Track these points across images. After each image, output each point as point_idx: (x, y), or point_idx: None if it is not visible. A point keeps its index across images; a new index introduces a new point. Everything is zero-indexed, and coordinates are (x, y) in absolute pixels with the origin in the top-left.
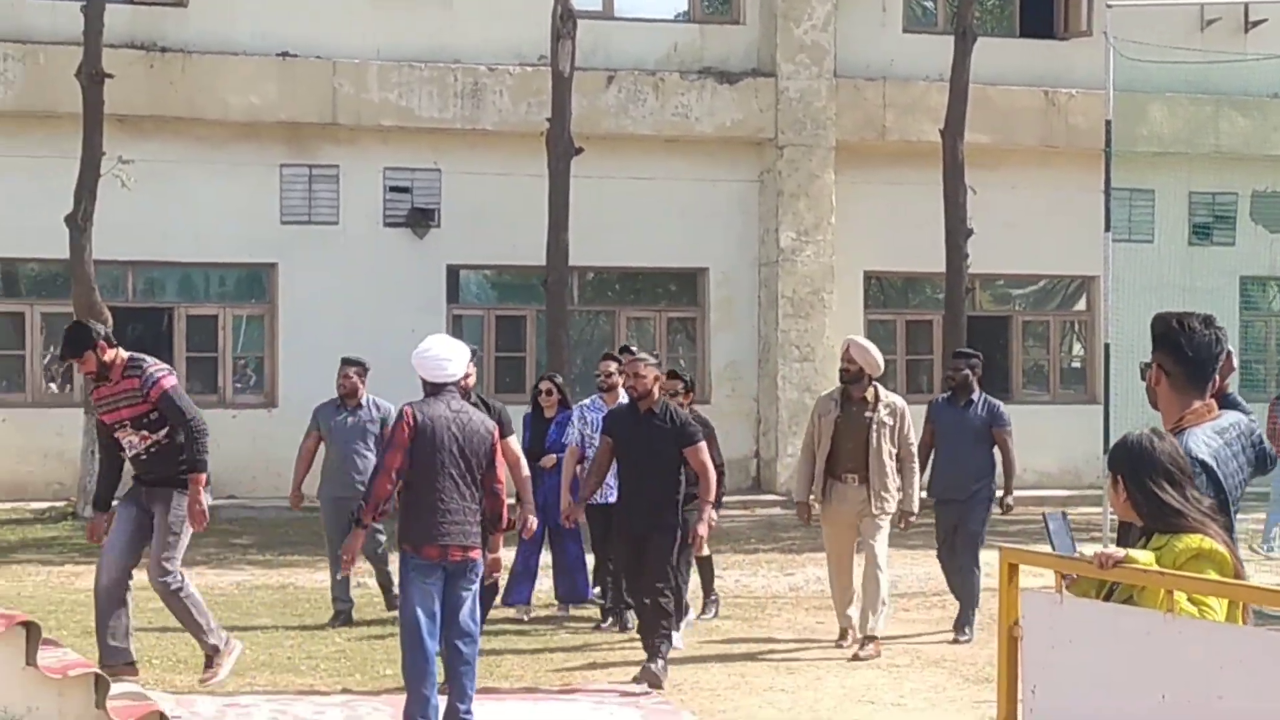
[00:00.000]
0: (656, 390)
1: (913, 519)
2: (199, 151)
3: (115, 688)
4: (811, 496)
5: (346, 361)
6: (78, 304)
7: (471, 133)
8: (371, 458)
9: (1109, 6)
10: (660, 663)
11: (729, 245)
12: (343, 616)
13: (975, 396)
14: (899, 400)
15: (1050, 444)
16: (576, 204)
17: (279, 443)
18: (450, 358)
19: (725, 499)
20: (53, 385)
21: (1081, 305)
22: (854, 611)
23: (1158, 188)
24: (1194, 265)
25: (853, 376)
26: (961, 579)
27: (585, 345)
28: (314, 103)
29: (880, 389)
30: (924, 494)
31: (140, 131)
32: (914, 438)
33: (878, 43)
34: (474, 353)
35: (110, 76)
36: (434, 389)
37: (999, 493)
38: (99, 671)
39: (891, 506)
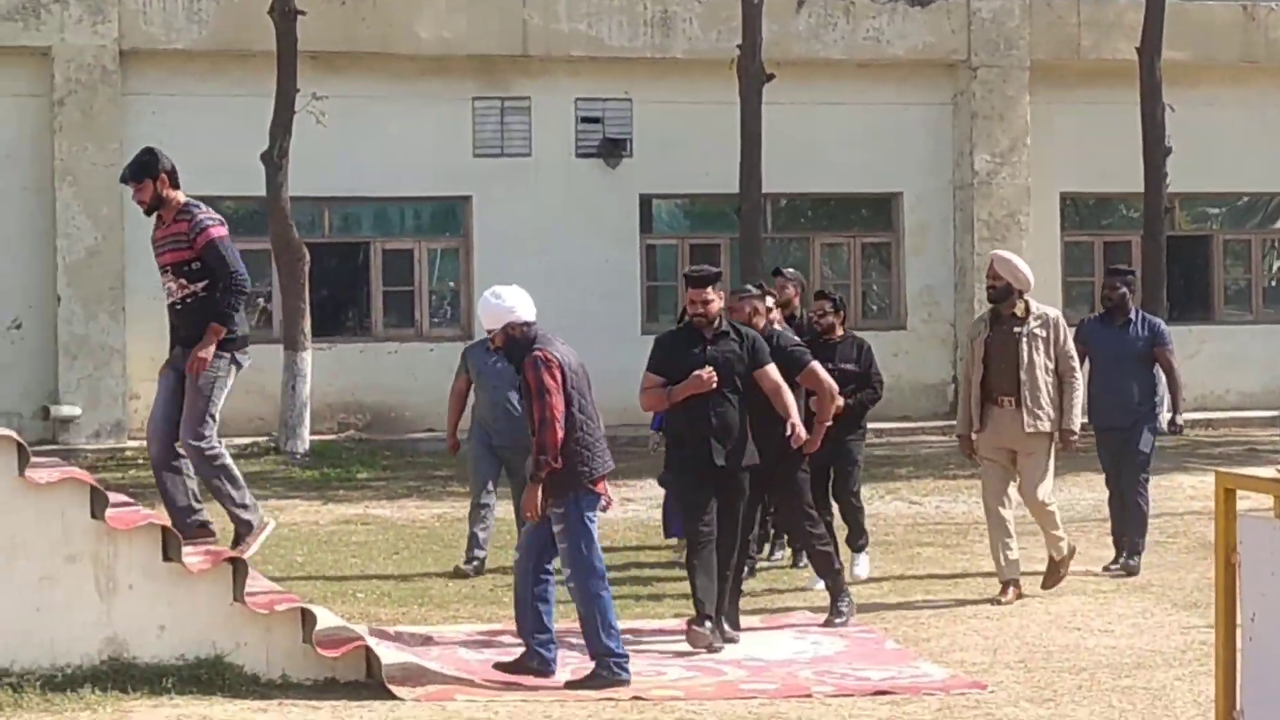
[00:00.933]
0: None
1: (1075, 439)
2: (391, 87)
3: (321, 622)
4: (974, 429)
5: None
6: (275, 240)
7: (662, 61)
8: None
9: None
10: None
11: (923, 169)
12: (475, 567)
13: (1133, 315)
14: (1053, 311)
15: (1253, 365)
16: (768, 130)
17: None
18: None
19: (923, 423)
20: (255, 316)
21: None
22: (1016, 554)
23: None
24: None
25: (999, 293)
26: (1128, 509)
27: None
28: (504, 35)
29: (1032, 302)
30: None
31: (333, 68)
32: (1074, 350)
33: None
34: (761, 288)
35: (303, 13)
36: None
37: (1166, 415)
38: (306, 606)
39: (1047, 425)
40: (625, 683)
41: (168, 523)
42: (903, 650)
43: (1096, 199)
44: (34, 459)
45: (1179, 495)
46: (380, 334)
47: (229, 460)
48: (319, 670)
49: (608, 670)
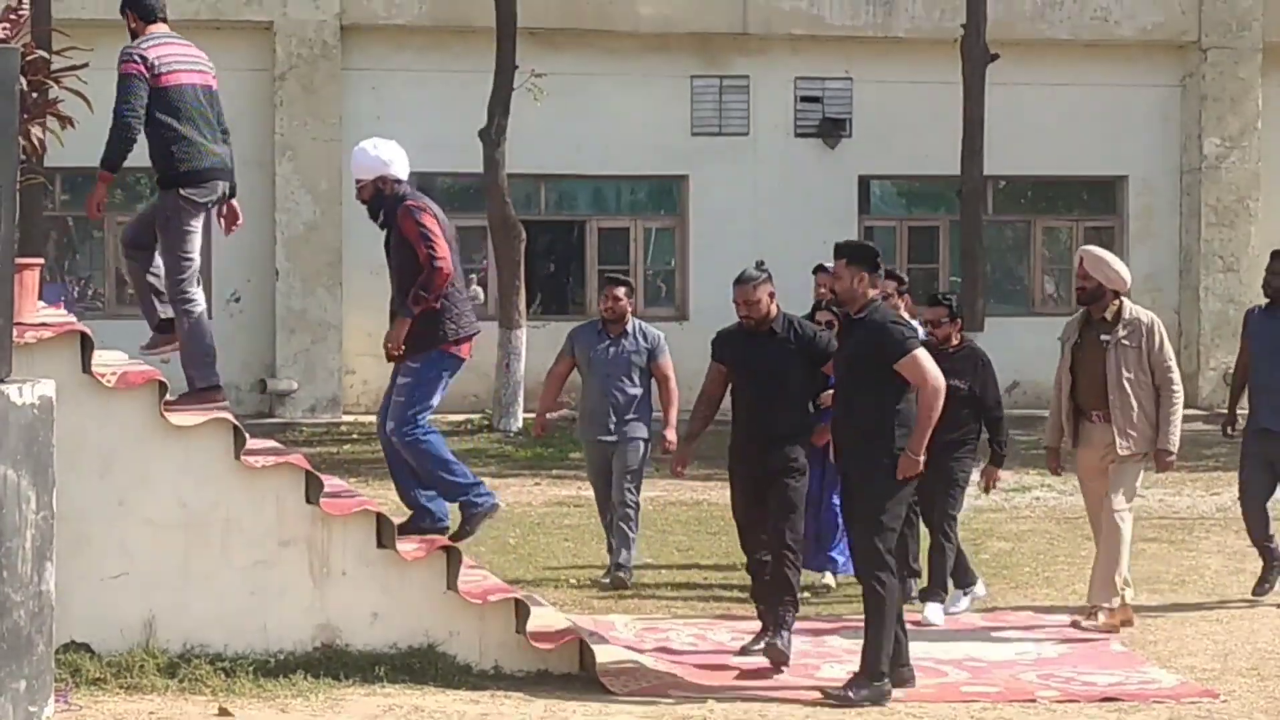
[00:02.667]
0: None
1: (1171, 460)
2: (610, 64)
3: (534, 612)
4: (1063, 440)
5: (612, 280)
6: (492, 217)
7: (884, 40)
8: (634, 392)
9: None
10: (785, 635)
11: (1149, 153)
12: (623, 578)
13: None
14: (1147, 316)
15: None
16: (990, 111)
17: (689, 355)
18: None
19: None
20: (475, 296)
21: None
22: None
23: None
24: None
25: (1089, 294)
26: None
27: (997, 255)
28: (725, 13)
29: (1126, 305)
30: (1241, 422)
31: (552, 44)
32: (1172, 359)
33: None
34: (892, 273)
35: None
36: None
37: None
38: (519, 597)
39: (1143, 446)
40: (495, 506)
41: (382, 509)
42: (1129, 654)
43: None
44: (250, 440)
45: None
46: (595, 312)
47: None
48: (532, 662)
49: (472, 506)
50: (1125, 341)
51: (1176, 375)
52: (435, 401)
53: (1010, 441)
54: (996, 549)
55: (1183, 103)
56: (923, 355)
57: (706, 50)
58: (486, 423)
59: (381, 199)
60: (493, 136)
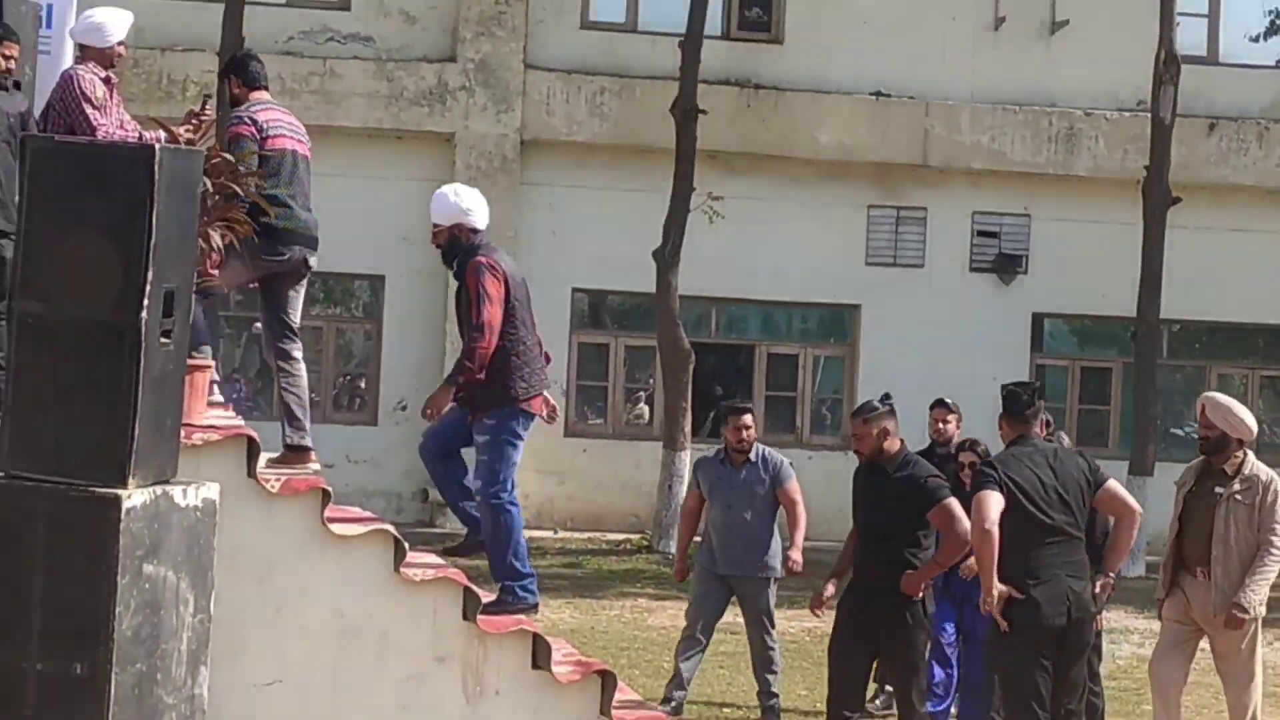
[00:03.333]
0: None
1: (1243, 618)
2: (787, 189)
3: None
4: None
5: (739, 410)
6: (662, 338)
7: (1064, 178)
8: (758, 522)
9: None
10: None
11: None
12: (674, 708)
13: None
14: (1267, 473)
15: None
16: (1169, 254)
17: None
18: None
19: None
20: (640, 416)
21: None
22: None
23: None
24: None
25: (1213, 444)
26: None
27: (1170, 399)
28: (905, 143)
29: (1250, 459)
30: None
31: (730, 168)
32: None
33: None
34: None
35: (704, 112)
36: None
37: None
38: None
39: (1248, 610)
40: (533, 607)
41: (538, 628)
42: None
43: None
44: (411, 554)
45: None
46: (760, 438)
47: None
48: None
49: (512, 596)
50: (1240, 497)
51: (1277, 539)
52: (518, 459)
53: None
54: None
55: None
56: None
57: (885, 181)
58: (646, 543)
59: (456, 247)
60: (667, 257)
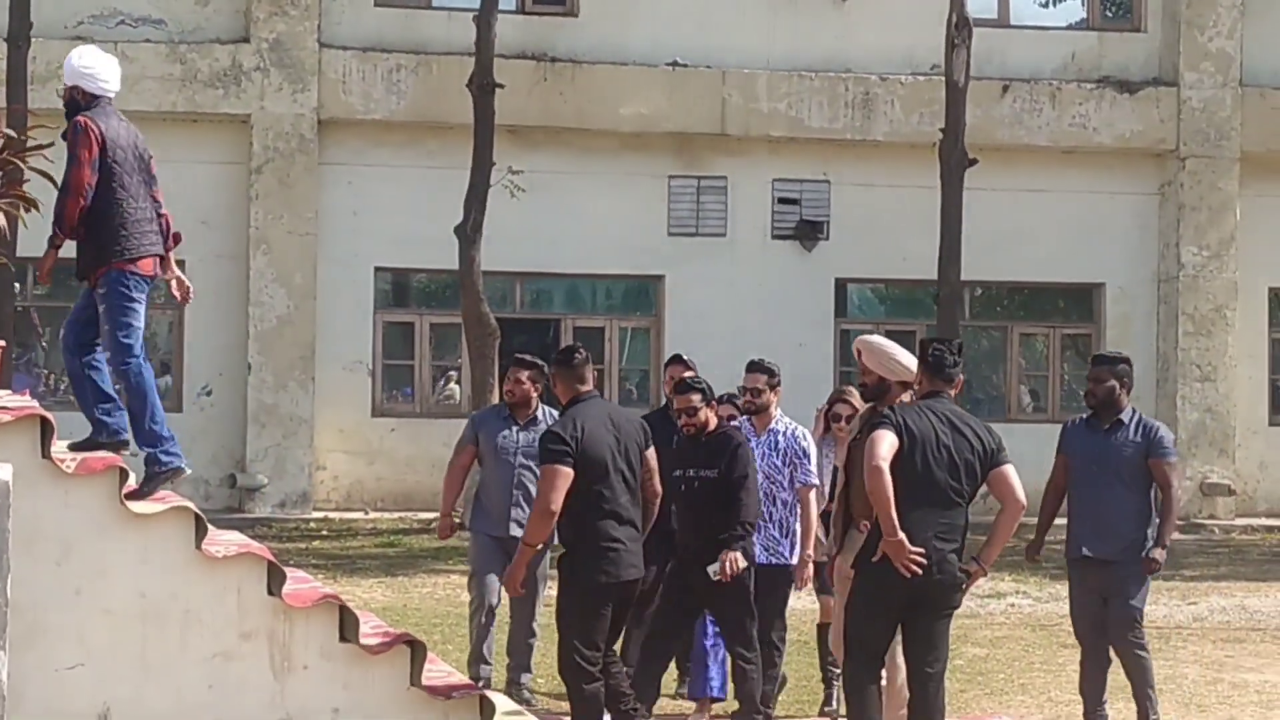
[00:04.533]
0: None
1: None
2: (587, 162)
3: (500, 710)
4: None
5: (520, 363)
6: (466, 314)
7: (862, 144)
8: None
9: None
10: None
11: (1126, 261)
12: (484, 685)
13: (1125, 417)
14: None
15: None
16: (968, 216)
17: None
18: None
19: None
20: (450, 396)
21: None
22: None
23: None
24: None
25: (871, 390)
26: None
27: (973, 361)
28: (703, 113)
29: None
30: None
31: (529, 142)
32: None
33: None
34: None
35: (501, 86)
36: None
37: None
38: (485, 694)
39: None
40: (177, 470)
41: (347, 601)
42: None
43: None
44: (213, 531)
45: None
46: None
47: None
48: None
49: (157, 464)
50: None
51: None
52: (138, 322)
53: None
54: (971, 655)
55: (1161, 211)
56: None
57: (684, 151)
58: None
59: (74, 109)
60: (468, 233)
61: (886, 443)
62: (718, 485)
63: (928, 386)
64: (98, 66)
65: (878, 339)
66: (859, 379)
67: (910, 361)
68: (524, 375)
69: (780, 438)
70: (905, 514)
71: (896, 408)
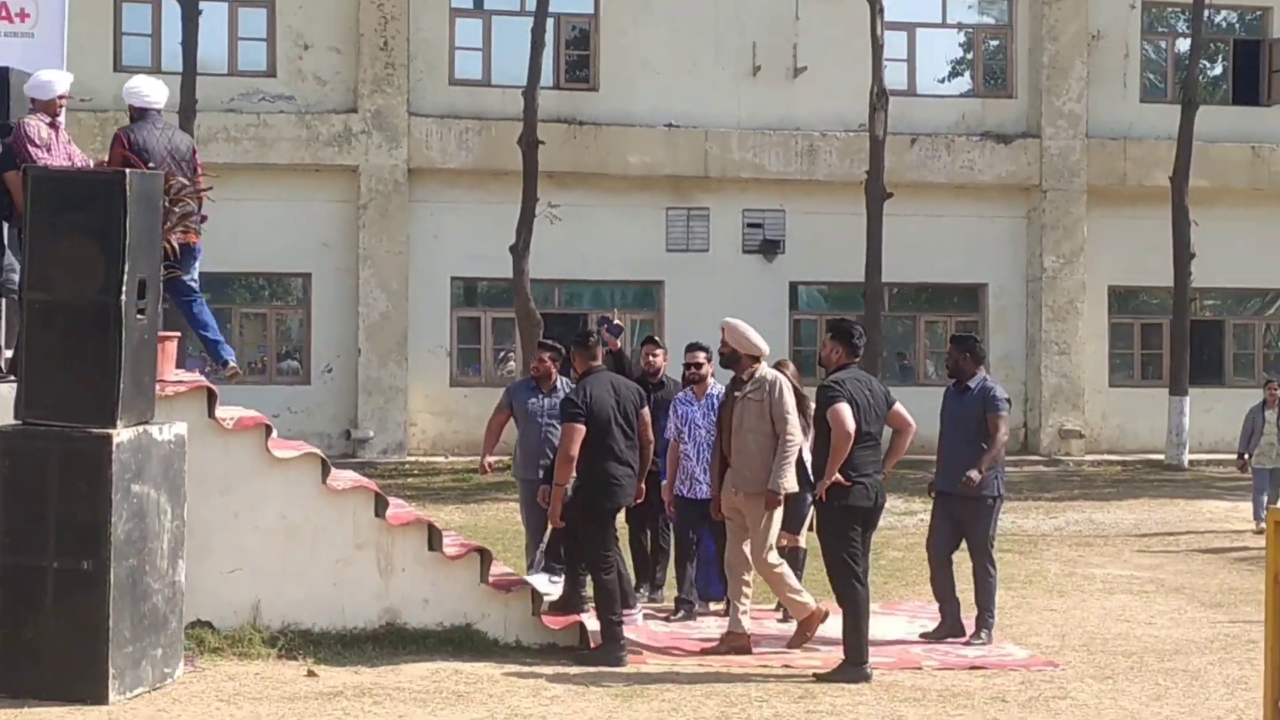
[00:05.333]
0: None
1: (775, 500)
2: (605, 198)
3: (545, 601)
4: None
5: (542, 346)
6: (518, 311)
7: (808, 182)
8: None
9: None
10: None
11: (1004, 267)
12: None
13: (973, 384)
14: (773, 374)
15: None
16: (887, 235)
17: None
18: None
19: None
20: (511, 371)
21: (1278, 311)
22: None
23: None
24: None
25: (727, 359)
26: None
27: (892, 343)
28: (690, 161)
29: (761, 367)
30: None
31: (563, 184)
32: (792, 413)
33: (1121, 110)
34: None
35: (542, 143)
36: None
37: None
38: (534, 587)
39: (754, 489)
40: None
41: (434, 521)
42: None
43: (1136, 291)
44: (334, 470)
45: (1200, 517)
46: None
47: None
48: (544, 637)
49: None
50: (751, 396)
51: (789, 427)
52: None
53: None
54: (891, 557)
55: (1028, 230)
56: (839, 406)
57: (677, 189)
58: (508, 464)
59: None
60: (519, 250)
61: (849, 413)
62: None
63: (845, 358)
64: (143, 87)
65: (736, 322)
66: (719, 349)
67: (758, 340)
68: (545, 355)
69: (716, 400)
70: (854, 456)
71: (843, 380)
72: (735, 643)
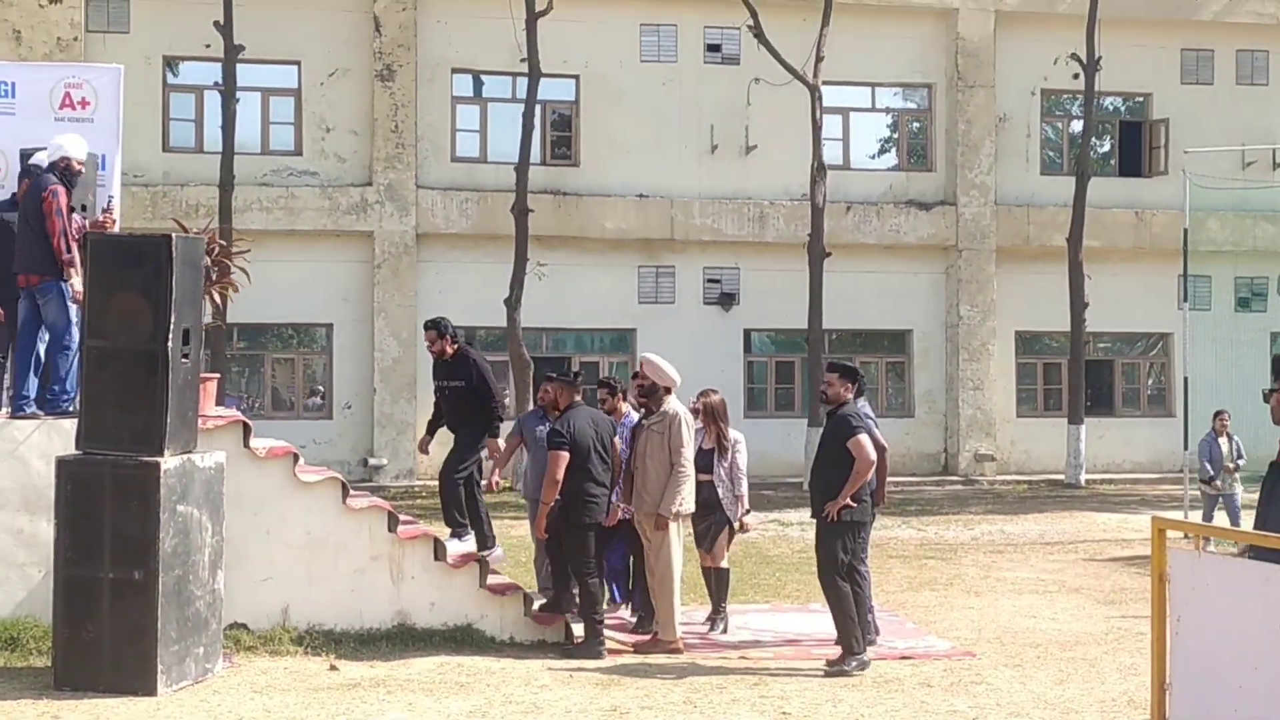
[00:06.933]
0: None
1: (664, 521)
2: (587, 258)
3: (536, 602)
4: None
5: (547, 377)
6: (512, 355)
7: (759, 244)
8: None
9: (1186, 153)
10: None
11: (926, 314)
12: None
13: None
14: (674, 409)
15: (1140, 444)
16: (827, 288)
17: None
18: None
19: (924, 478)
20: (505, 409)
21: (1160, 351)
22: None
23: (1214, 274)
24: (1239, 325)
25: (645, 390)
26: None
27: None
28: (658, 226)
29: (667, 401)
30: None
31: (549, 246)
32: (687, 445)
33: (1024, 182)
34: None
35: (532, 211)
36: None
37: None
38: (527, 592)
39: (648, 509)
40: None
41: (439, 535)
42: (918, 628)
43: (1039, 335)
44: (353, 492)
45: (1095, 528)
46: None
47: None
48: (535, 634)
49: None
50: (655, 429)
51: (681, 459)
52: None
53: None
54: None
55: (946, 284)
56: (862, 437)
57: (648, 250)
58: (509, 485)
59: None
60: (512, 303)
61: (869, 443)
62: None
63: (852, 393)
64: (66, 142)
65: (653, 357)
66: (636, 382)
67: (671, 372)
68: (550, 386)
69: (626, 426)
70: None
71: (855, 413)
72: (667, 646)
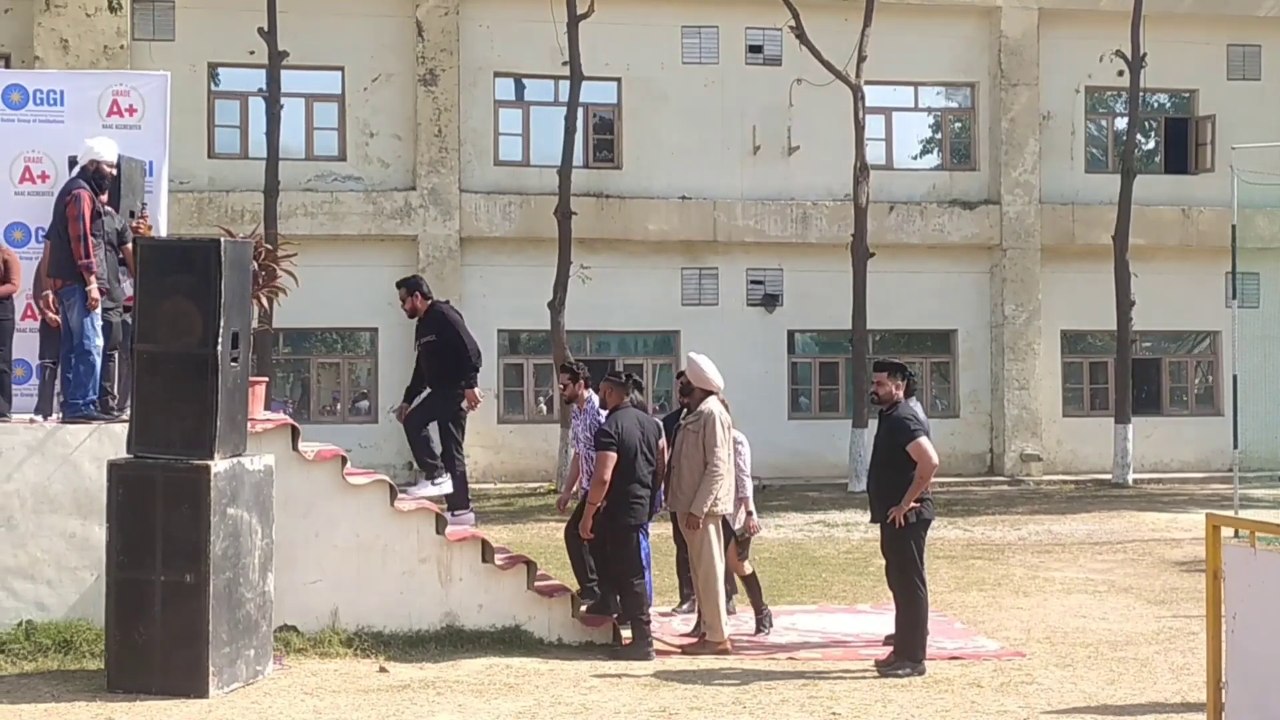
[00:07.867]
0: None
1: (695, 522)
2: (630, 261)
3: (583, 604)
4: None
5: (560, 369)
6: (556, 358)
7: (803, 244)
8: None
9: (1233, 149)
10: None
11: (971, 314)
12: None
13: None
14: (709, 409)
15: (1188, 443)
16: (871, 289)
17: None
18: None
19: (970, 478)
20: (541, 408)
21: (1208, 349)
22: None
23: (1262, 270)
24: None
25: (683, 388)
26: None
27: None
28: (702, 228)
29: (708, 401)
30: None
31: (592, 249)
32: (720, 445)
33: (1069, 180)
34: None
35: (574, 214)
36: None
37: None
38: (573, 592)
39: (681, 506)
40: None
41: (485, 536)
42: (967, 629)
43: (1085, 334)
44: (400, 495)
45: (1144, 527)
46: None
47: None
48: (582, 636)
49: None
50: (690, 428)
51: (716, 458)
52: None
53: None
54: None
55: (991, 283)
56: (923, 440)
57: (690, 252)
58: (552, 489)
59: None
60: (556, 306)
61: (931, 446)
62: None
63: (902, 391)
64: (97, 145)
65: (700, 360)
66: (679, 381)
67: (713, 376)
68: (564, 378)
69: (590, 414)
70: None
71: (912, 415)
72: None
